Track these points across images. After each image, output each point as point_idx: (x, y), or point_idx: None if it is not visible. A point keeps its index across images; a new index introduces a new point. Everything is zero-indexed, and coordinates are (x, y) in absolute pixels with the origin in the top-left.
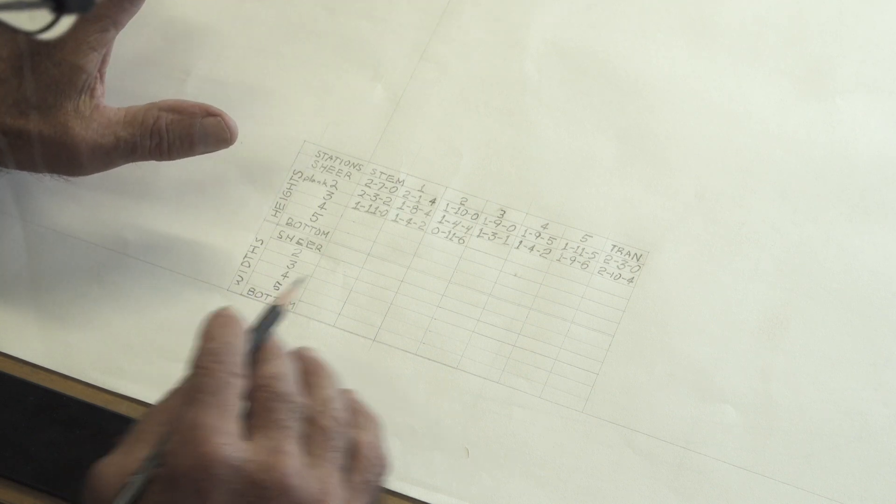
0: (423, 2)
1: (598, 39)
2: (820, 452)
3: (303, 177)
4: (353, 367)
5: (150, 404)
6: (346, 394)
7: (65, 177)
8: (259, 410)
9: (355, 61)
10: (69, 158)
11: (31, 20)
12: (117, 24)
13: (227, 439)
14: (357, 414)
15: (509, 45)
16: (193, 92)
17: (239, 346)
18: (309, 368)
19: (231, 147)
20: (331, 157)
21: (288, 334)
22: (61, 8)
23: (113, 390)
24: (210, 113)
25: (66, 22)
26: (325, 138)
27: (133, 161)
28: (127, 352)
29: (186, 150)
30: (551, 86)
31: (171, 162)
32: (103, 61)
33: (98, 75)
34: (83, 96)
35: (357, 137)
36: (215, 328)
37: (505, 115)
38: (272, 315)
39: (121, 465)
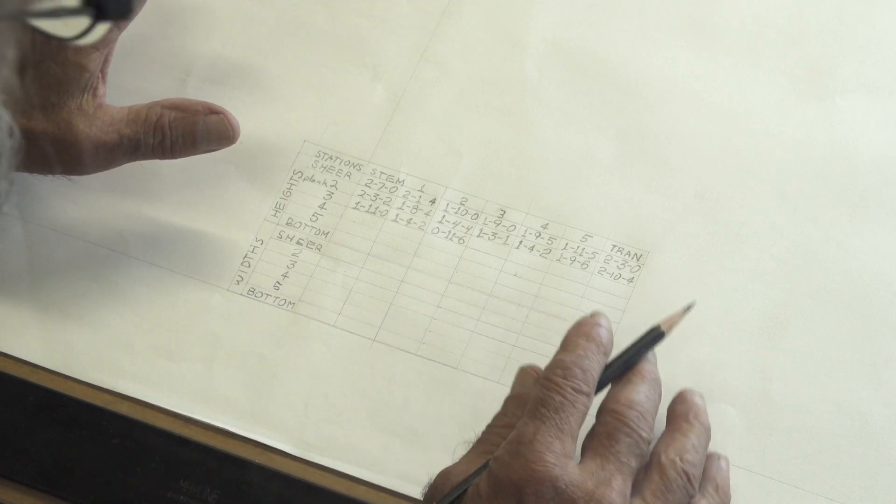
0: (423, 2)
1: (598, 39)
2: (820, 452)
3: (303, 177)
4: (353, 367)
5: (150, 404)
6: (713, 458)
7: (67, 176)
8: (601, 434)
9: (355, 61)
10: (73, 157)
11: (66, 26)
12: (119, 27)
13: (559, 460)
14: (709, 480)
15: (509, 45)
16: (193, 92)
17: (594, 361)
18: (683, 411)
19: (231, 147)
20: (331, 157)
21: (288, 334)
22: (101, 15)
23: (113, 390)
24: (213, 111)
25: (102, 28)
26: (325, 138)
27: (136, 159)
28: (127, 352)
29: (189, 148)
30: (551, 86)
31: (171, 162)
32: (105, 61)
33: (100, 75)
34: (86, 95)
35: (357, 137)
36: (575, 336)
37: (505, 115)
38: (651, 335)
39: (463, 472)
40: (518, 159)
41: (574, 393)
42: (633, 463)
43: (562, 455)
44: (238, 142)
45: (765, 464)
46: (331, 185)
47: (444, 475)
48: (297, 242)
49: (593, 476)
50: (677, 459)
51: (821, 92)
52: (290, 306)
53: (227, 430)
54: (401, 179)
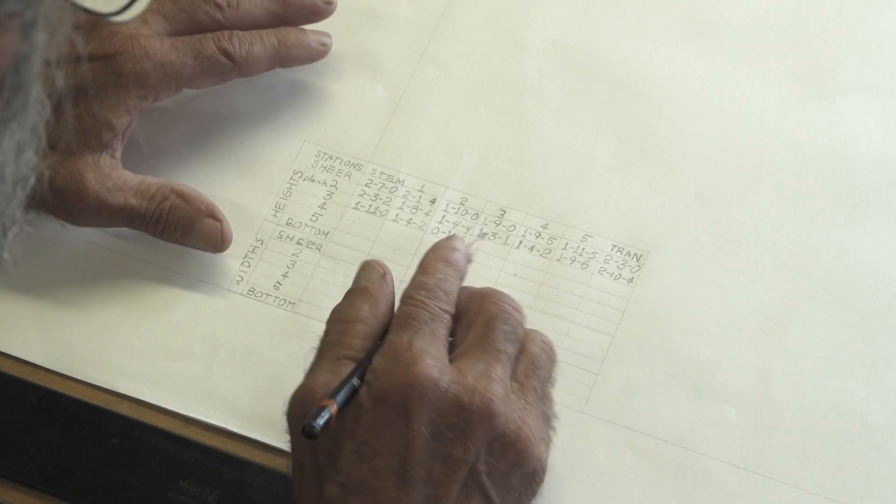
0: (423, 2)
1: (598, 39)
2: (820, 452)
3: (303, 177)
4: None
5: (150, 404)
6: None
7: (61, 221)
8: (482, 331)
9: (355, 61)
10: (74, 207)
11: (105, 2)
12: (156, 98)
13: (438, 363)
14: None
15: (509, 45)
16: (194, 92)
17: (453, 285)
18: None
19: (231, 147)
20: (331, 157)
21: (288, 334)
22: None
23: (113, 390)
24: (214, 216)
25: (142, 4)
26: (325, 138)
27: (130, 228)
28: (127, 352)
29: (177, 239)
30: (551, 86)
31: (171, 163)
32: (129, 126)
33: (121, 137)
34: (104, 153)
35: (357, 137)
36: (434, 261)
37: (505, 115)
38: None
39: (325, 385)
40: (518, 159)
41: (439, 310)
42: (512, 350)
43: (439, 359)
44: (238, 142)
45: (765, 464)
46: (331, 185)
47: (307, 391)
48: (297, 242)
49: (472, 371)
50: (534, 336)
51: (821, 92)
52: (290, 306)
53: (227, 430)
54: (401, 179)
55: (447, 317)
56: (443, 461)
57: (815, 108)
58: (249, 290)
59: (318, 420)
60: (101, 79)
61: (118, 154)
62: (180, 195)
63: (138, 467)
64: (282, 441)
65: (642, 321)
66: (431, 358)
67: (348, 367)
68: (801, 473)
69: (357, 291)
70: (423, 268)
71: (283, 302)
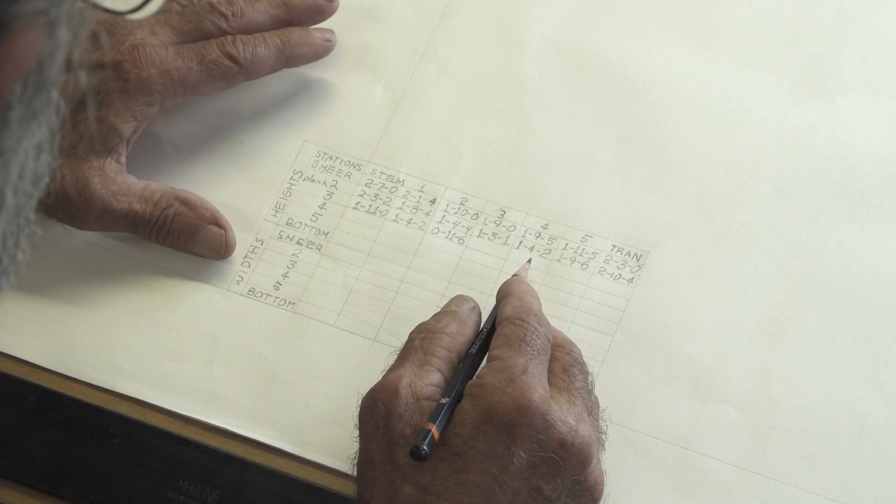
0: (423, 2)
1: (598, 39)
2: (820, 452)
3: (303, 177)
4: (353, 367)
5: (149, 403)
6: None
7: (65, 225)
8: (559, 371)
9: (355, 61)
10: (79, 211)
11: (124, 2)
12: (163, 105)
13: (547, 395)
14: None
15: (509, 45)
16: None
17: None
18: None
19: (231, 147)
20: (331, 157)
21: (288, 334)
22: None
23: (113, 390)
24: (218, 223)
25: (156, 2)
26: (325, 138)
27: (133, 233)
28: (127, 352)
29: (180, 246)
30: (551, 86)
31: (170, 163)
32: (135, 131)
33: (127, 144)
34: (110, 158)
35: (357, 137)
36: (527, 290)
37: (505, 115)
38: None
39: (413, 384)
40: (518, 159)
41: (546, 341)
42: (587, 388)
43: (547, 391)
44: (238, 142)
45: (765, 464)
46: (331, 185)
47: (388, 387)
48: (297, 242)
49: (571, 413)
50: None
51: (821, 92)
52: (290, 306)
53: (227, 430)
54: (401, 179)
55: (550, 347)
56: (530, 492)
57: (815, 108)
58: (249, 290)
59: (423, 442)
60: (108, 85)
61: (123, 159)
62: (185, 202)
63: (138, 467)
64: (282, 441)
65: (642, 321)
66: (543, 389)
67: (431, 372)
68: (801, 473)
69: (446, 312)
70: (520, 294)
71: (283, 302)
